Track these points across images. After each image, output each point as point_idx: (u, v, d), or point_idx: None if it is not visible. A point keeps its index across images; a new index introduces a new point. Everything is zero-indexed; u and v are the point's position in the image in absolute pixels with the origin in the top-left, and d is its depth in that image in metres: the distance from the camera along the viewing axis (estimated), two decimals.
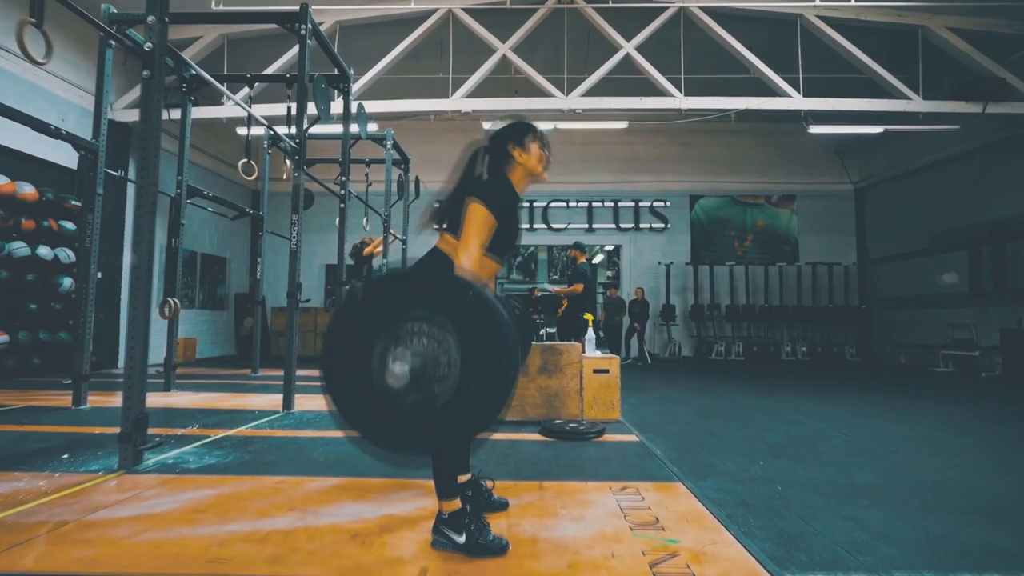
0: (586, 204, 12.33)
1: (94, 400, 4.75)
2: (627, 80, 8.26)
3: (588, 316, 4.50)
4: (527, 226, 12.38)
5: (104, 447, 2.95)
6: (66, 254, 7.63)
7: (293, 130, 4.97)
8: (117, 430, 2.60)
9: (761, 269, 11.97)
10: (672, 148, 11.81)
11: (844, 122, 9.04)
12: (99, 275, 8.48)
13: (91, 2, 7.68)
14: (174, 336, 5.88)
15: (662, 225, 12.22)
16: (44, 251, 7.11)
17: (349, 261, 7.38)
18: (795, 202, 12.29)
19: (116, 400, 4.95)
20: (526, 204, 12.37)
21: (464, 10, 8.19)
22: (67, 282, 7.67)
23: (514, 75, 8.56)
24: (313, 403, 4.70)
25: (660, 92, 7.99)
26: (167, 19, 2.73)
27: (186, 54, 8.40)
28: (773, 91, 7.95)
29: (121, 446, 2.58)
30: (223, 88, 4.78)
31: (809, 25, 8.00)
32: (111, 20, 4.60)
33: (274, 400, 4.70)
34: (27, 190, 6.90)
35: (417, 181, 8.91)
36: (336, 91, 5.71)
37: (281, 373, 4.59)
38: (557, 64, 8.56)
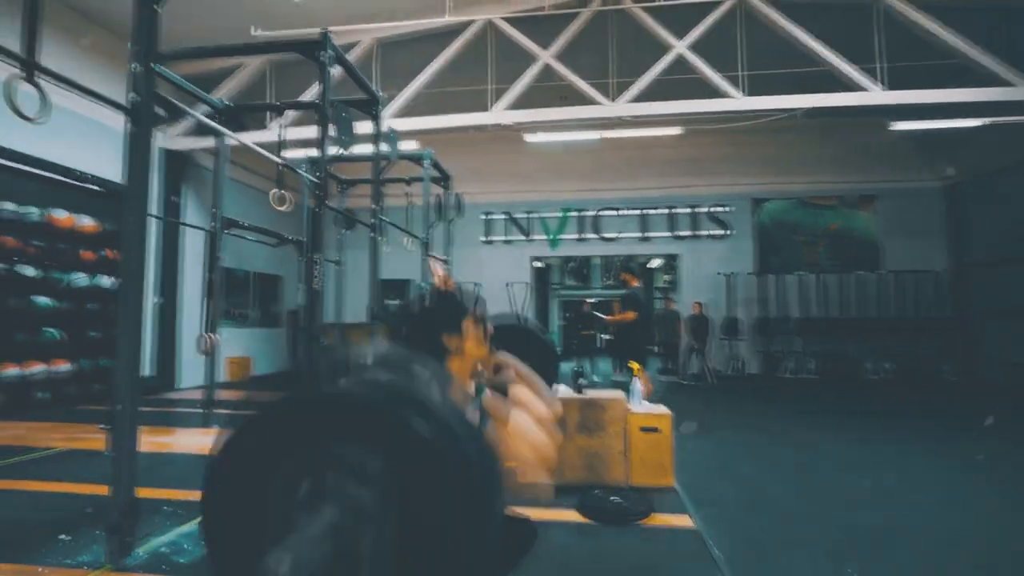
0: (639, 212, 11.67)
1: None
2: (680, 82, 7.61)
3: (634, 365, 4.01)
4: (576, 236, 11.90)
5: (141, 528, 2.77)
6: None
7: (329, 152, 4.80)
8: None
9: (836, 277, 10.89)
10: (732, 149, 10.94)
11: (934, 116, 7.97)
12: (155, 300, 8.79)
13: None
14: (213, 371, 5.83)
15: (723, 232, 11.37)
16: (104, 280, 7.32)
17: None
18: (875, 202, 11.11)
19: (156, 440, 4.92)
20: (575, 214, 11.91)
21: (504, 19, 7.83)
22: None
23: (558, 82, 8.11)
24: None
25: (717, 93, 7.31)
26: (153, 66, 2.52)
27: (229, 82, 8.52)
28: (848, 84, 7.08)
29: (108, 537, 2.37)
30: (216, 125, 4.62)
31: (888, 8, 7.07)
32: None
33: None
34: (86, 222, 7.13)
35: (459, 199, 8.63)
36: (368, 115, 5.48)
37: None
38: (604, 69, 8.03)
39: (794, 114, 7.52)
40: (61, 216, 6.77)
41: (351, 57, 8.23)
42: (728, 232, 11.33)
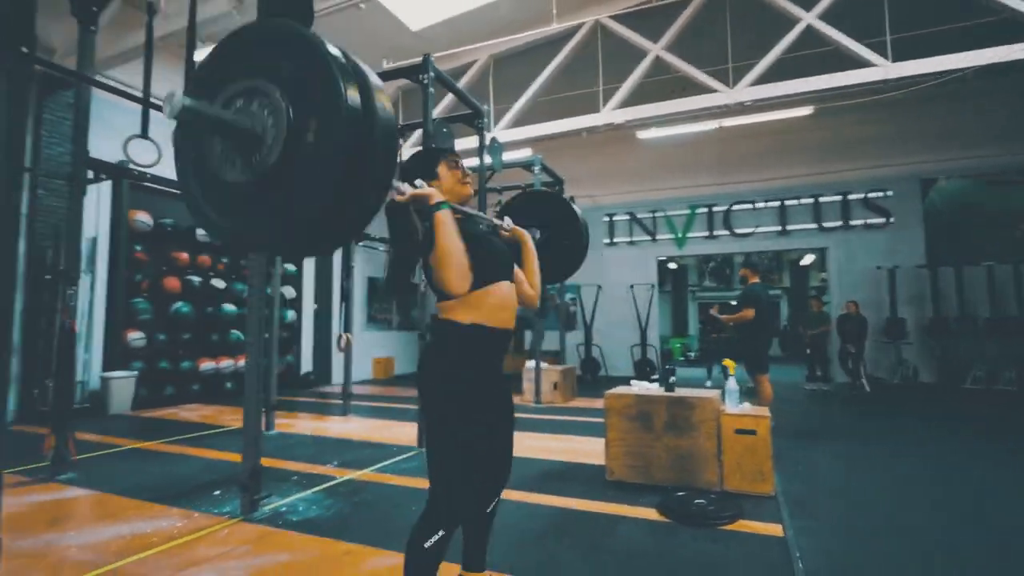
0: (777, 203, 10.67)
1: (285, 424, 5.57)
2: (808, 58, 6.89)
3: (728, 363, 3.73)
4: (706, 233, 11.25)
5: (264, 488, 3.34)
6: (290, 291, 9.25)
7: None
8: (276, 462, 3.26)
9: None
10: (887, 124, 9.51)
11: None
12: (313, 307, 10.14)
13: None
14: (350, 367, 6.63)
15: (881, 220, 9.92)
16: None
17: None
18: None
19: (302, 424, 5.74)
20: (704, 209, 11.27)
21: (612, 17, 7.78)
22: (290, 314, 9.28)
23: (672, 75, 7.83)
24: None
25: (857, 62, 6.48)
26: None
27: None
28: None
29: (241, 493, 2.88)
30: None
31: None
32: None
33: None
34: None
35: (572, 200, 8.69)
36: (473, 128, 5.84)
37: None
38: (721, 56, 7.56)
39: (963, 76, 6.37)
40: None
41: (468, 76, 8.80)
42: (888, 220, 9.86)
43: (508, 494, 3.17)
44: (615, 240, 12.01)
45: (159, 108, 3.16)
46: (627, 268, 11.63)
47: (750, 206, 10.88)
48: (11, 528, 2.62)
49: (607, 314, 11.43)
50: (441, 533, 1.44)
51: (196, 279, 7.47)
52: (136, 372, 6.64)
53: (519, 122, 8.41)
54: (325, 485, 3.40)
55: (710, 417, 3.26)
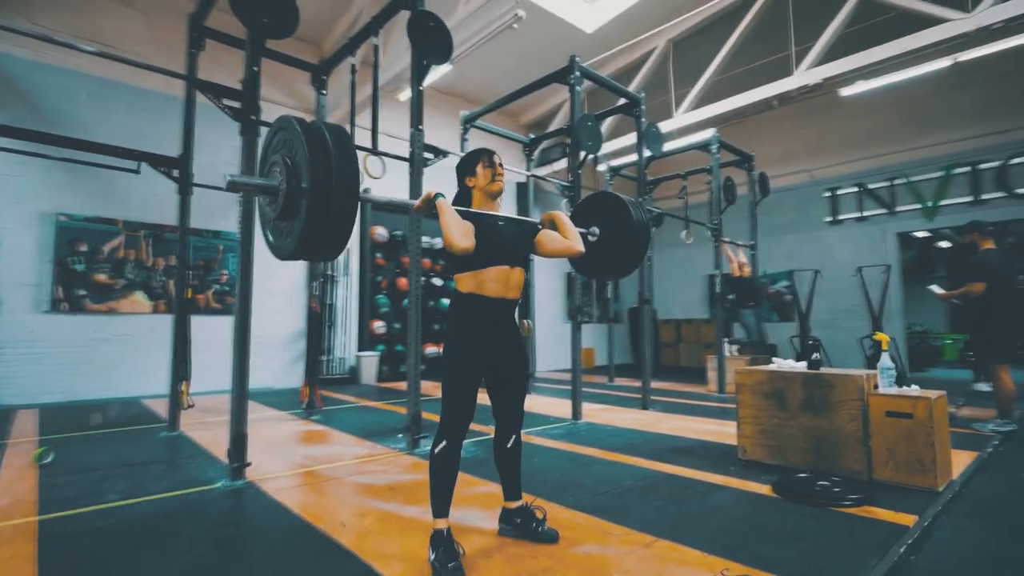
0: None
1: None
2: None
3: (881, 336, 3.13)
4: (970, 199, 9.01)
5: (423, 431, 4.16)
6: None
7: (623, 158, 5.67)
8: None
9: None
10: None
11: None
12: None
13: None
14: (533, 351, 7.30)
15: None
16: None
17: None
18: None
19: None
20: (967, 168, 9.03)
21: None
22: None
23: (876, 19, 6.63)
24: (611, 415, 5.06)
25: None
26: (421, 127, 3.80)
27: (560, 112, 10.25)
28: None
29: (406, 435, 3.68)
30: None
31: None
32: (465, 119, 6.38)
33: (589, 409, 5.34)
34: (440, 242, 9.91)
35: (763, 178, 7.97)
36: (631, 117, 5.93)
37: (637, 383, 5.34)
38: None
39: None
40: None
41: (646, 65, 8.78)
42: None
43: (620, 458, 3.36)
44: (839, 217, 10.42)
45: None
46: (856, 248, 10.01)
47: None
48: (274, 442, 3.87)
49: (831, 302, 10.02)
50: (444, 443, 1.89)
51: (420, 279, 9.10)
52: (379, 353, 8.45)
53: (702, 102, 8.07)
54: (477, 439, 4.04)
55: (852, 397, 2.90)
